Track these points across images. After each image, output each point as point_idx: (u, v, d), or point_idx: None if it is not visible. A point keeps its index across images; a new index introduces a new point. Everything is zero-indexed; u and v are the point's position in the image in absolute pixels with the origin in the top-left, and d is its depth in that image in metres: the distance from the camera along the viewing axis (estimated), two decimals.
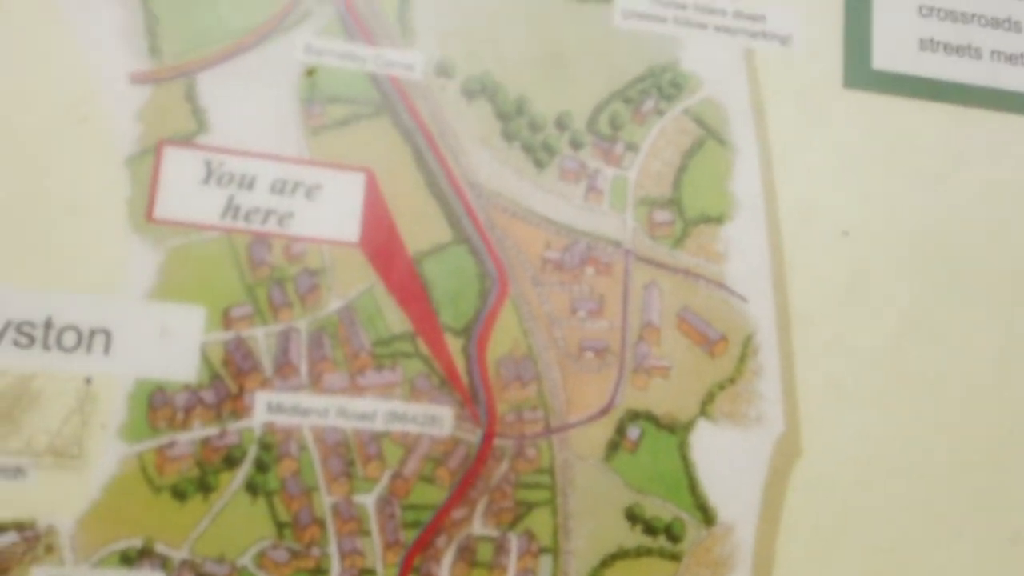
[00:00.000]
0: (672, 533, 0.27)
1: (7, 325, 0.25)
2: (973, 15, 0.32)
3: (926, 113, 0.31)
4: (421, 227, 0.28)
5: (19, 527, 0.24)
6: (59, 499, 0.24)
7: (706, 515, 0.27)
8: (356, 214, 0.27)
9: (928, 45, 0.31)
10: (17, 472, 0.24)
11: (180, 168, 0.26)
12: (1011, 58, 0.31)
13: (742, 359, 0.28)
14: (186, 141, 0.27)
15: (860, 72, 0.30)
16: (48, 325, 0.25)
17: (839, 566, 0.27)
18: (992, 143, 0.31)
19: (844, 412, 0.28)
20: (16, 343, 0.25)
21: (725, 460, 0.27)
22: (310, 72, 0.28)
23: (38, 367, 0.24)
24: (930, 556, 0.28)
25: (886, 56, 0.31)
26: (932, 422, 0.29)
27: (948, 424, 0.29)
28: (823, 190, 0.30)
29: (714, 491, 0.27)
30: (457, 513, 0.26)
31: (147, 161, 0.26)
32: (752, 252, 0.29)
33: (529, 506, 0.26)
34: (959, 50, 0.31)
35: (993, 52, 0.31)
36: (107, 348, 0.25)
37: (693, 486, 0.27)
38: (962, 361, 0.29)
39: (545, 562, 0.26)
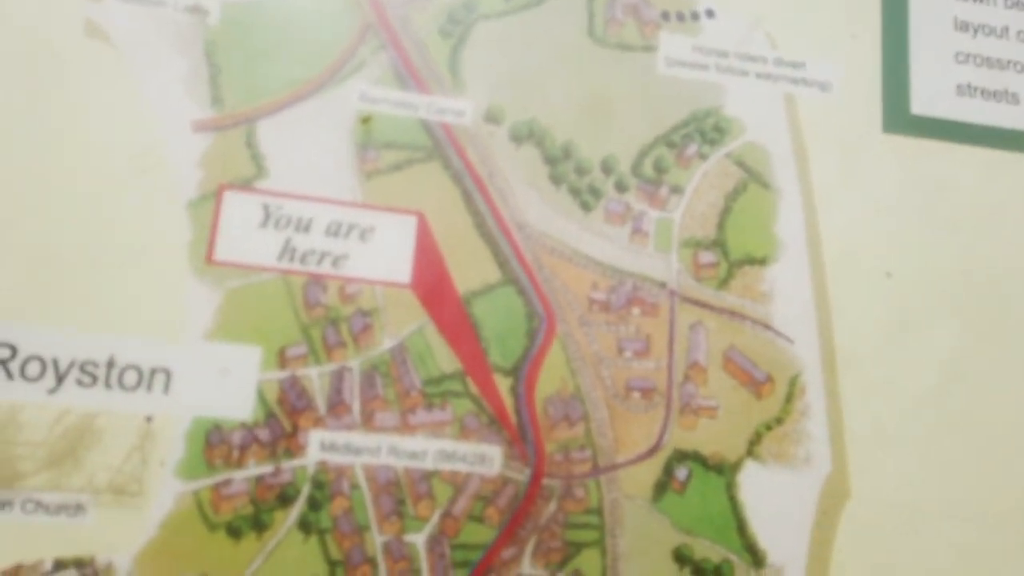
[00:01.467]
0: (721, 575, 0.27)
1: (71, 365, 0.25)
2: (1009, 61, 0.32)
3: (965, 157, 0.31)
4: (471, 268, 0.28)
5: (79, 564, 0.24)
6: (117, 536, 0.24)
7: (755, 557, 0.27)
8: (408, 256, 0.28)
9: (965, 91, 0.32)
10: (78, 509, 0.24)
11: (239, 212, 0.27)
12: None
13: (789, 399, 0.28)
14: (245, 186, 0.27)
15: (899, 117, 0.31)
16: (111, 364, 0.25)
17: None
18: None
19: (892, 453, 0.28)
20: (80, 382, 0.25)
21: (773, 501, 0.27)
22: (365, 120, 0.29)
23: (101, 405, 0.25)
24: None
25: (924, 101, 0.31)
26: (981, 464, 0.28)
27: (997, 466, 0.28)
28: (865, 232, 0.30)
29: (763, 532, 0.27)
30: (506, 553, 0.26)
31: (208, 205, 0.27)
32: (797, 293, 0.29)
33: (578, 546, 0.26)
34: (996, 95, 0.32)
35: None
36: (167, 387, 0.26)
37: (742, 527, 0.27)
38: (1009, 402, 0.29)
39: None
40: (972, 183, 0.31)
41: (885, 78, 0.31)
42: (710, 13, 0.31)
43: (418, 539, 0.26)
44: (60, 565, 0.24)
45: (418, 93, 0.29)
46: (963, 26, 0.32)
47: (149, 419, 0.25)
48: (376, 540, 0.26)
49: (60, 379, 0.25)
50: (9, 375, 0.25)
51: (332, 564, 0.25)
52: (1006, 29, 0.32)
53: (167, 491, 0.25)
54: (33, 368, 0.25)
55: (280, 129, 0.28)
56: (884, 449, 0.28)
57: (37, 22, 0.28)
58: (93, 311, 0.26)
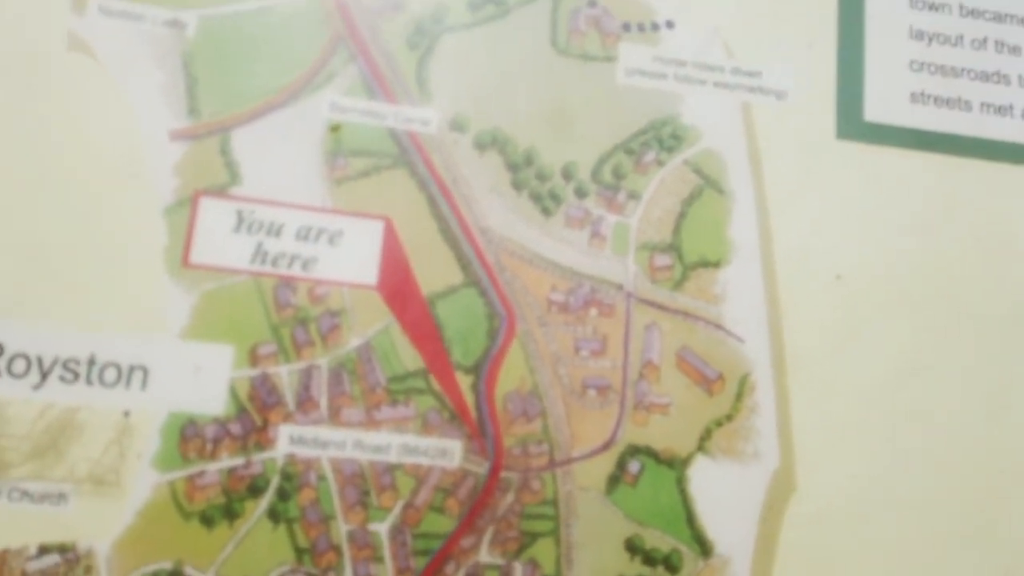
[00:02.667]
0: (670, 564, 0.28)
1: (54, 362, 0.27)
2: (963, 69, 0.33)
3: (917, 162, 0.32)
4: (435, 270, 0.29)
5: (61, 550, 0.26)
6: (97, 524, 0.26)
7: (703, 547, 0.28)
8: (375, 259, 0.29)
9: (919, 98, 0.33)
10: (60, 498, 0.26)
11: (214, 217, 0.29)
12: (1000, 109, 0.33)
13: (739, 397, 0.30)
14: (220, 192, 0.29)
15: (852, 124, 0.32)
16: (91, 362, 0.27)
17: None
18: (980, 191, 0.32)
19: (838, 449, 0.29)
20: (62, 378, 0.27)
21: (722, 494, 0.29)
22: (334, 128, 0.30)
23: (82, 401, 0.27)
24: None
25: (878, 109, 0.32)
26: (923, 459, 0.30)
27: (939, 461, 0.30)
28: (817, 236, 0.31)
29: (711, 524, 0.28)
30: (465, 541, 0.28)
31: (183, 211, 0.29)
32: (749, 295, 0.30)
33: (534, 536, 0.28)
34: (949, 102, 0.33)
35: (982, 104, 0.33)
36: (144, 383, 0.27)
37: (691, 519, 0.28)
38: (952, 400, 0.30)
39: None
40: (923, 188, 0.32)
41: (839, 86, 0.32)
42: (670, 24, 0.32)
43: (381, 528, 0.27)
44: (44, 550, 0.26)
45: (386, 103, 0.30)
46: (918, 35, 0.33)
47: (127, 414, 0.27)
48: (341, 529, 0.27)
49: (44, 376, 0.27)
50: None
51: (299, 551, 0.27)
52: (960, 37, 0.33)
53: (144, 482, 0.27)
54: (19, 365, 0.27)
55: (253, 138, 0.29)
56: (830, 445, 0.29)
57: (22, 34, 0.29)
58: (75, 311, 0.27)
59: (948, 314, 0.31)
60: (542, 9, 0.32)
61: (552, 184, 0.31)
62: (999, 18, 0.34)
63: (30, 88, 0.29)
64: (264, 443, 0.27)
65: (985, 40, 0.33)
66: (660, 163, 0.31)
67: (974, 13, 0.34)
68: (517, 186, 0.31)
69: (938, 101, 0.33)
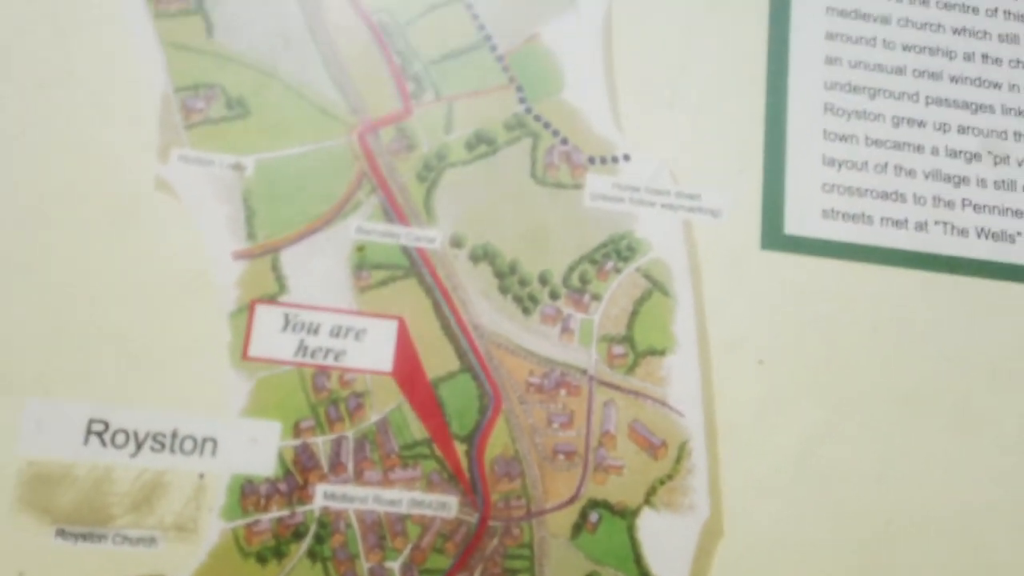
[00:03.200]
0: None
1: (147, 435, 0.35)
2: (867, 190, 0.40)
3: (827, 267, 0.39)
4: (437, 359, 0.37)
5: None
6: (179, 561, 0.34)
7: None
8: (390, 351, 0.37)
9: (830, 214, 0.40)
10: (152, 541, 0.34)
11: (266, 320, 0.37)
12: (896, 223, 0.40)
13: (678, 460, 0.37)
14: (271, 300, 0.37)
15: (775, 236, 0.39)
16: (174, 435, 0.35)
17: None
18: (878, 291, 0.39)
19: (758, 502, 0.37)
20: (152, 448, 0.35)
21: (664, 539, 0.36)
22: (360, 248, 0.38)
23: (167, 466, 0.35)
24: None
25: (796, 223, 0.40)
26: (828, 511, 0.37)
27: (840, 513, 0.37)
28: (744, 329, 0.38)
29: (655, 563, 0.36)
30: None
31: (243, 316, 0.37)
32: (688, 377, 0.38)
33: (513, 572, 0.35)
34: (854, 217, 0.40)
35: (882, 218, 0.40)
36: (214, 452, 0.35)
37: (638, 559, 0.36)
38: (852, 464, 0.37)
39: None
40: (832, 289, 0.39)
41: (764, 205, 0.40)
42: (627, 157, 0.40)
43: (395, 565, 0.35)
44: None
45: (400, 225, 0.38)
46: (830, 162, 0.41)
47: (202, 476, 0.35)
48: (364, 566, 0.35)
49: (139, 446, 0.35)
50: (103, 443, 0.35)
51: None
52: (865, 163, 0.41)
53: (214, 529, 0.34)
54: (120, 438, 0.35)
55: (298, 256, 0.37)
56: (752, 500, 0.37)
57: (119, 177, 0.37)
58: (162, 396, 0.35)
59: (850, 393, 0.38)
60: (524, 148, 0.40)
61: (531, 288, 0.38)
62: (898, 146, 0.41)
63: (125, 220, 0.37)
64: (305, 498, 0.35)
65: (886, 165, 0.41)
66: (618, 270, 0.39)
67: (877, 143, 0.41)
68: (503, 291, 0.38)
69: (845, 217, 0.40)
